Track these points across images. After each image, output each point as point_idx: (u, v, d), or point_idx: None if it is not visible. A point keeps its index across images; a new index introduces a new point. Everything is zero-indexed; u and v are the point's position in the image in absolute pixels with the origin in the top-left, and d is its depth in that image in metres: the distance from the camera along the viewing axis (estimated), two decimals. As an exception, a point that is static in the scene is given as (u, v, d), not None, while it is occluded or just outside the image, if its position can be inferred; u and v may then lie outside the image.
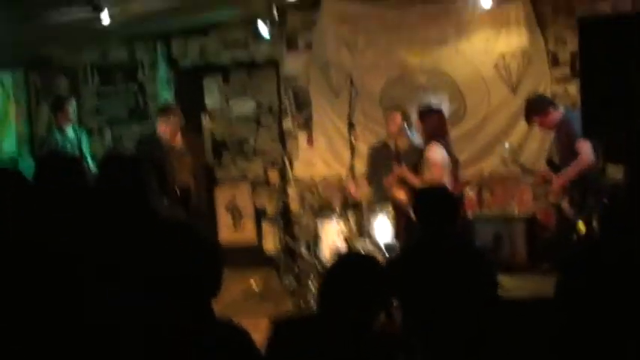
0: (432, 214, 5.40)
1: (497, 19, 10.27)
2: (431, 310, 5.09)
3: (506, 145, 9.36)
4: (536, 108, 8.61)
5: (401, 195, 8.54)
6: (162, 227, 3.60)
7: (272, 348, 3.82)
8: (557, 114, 8.41)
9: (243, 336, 3.55)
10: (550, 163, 8.58)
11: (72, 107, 10.19)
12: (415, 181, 8.28)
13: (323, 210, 9.75)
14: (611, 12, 9.62)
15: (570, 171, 8.14)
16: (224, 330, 3.56)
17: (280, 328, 3.92)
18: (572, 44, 10.07)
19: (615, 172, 8.21)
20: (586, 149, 7.97)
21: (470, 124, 10.41)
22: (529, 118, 8.68)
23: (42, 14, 8.08)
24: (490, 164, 10.09)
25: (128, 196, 3.90)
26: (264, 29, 10.55)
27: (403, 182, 8.51)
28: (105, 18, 7.09)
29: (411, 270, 5.22)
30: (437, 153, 8.14)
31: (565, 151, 8.29)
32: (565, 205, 8.26)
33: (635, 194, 6.36)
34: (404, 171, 8.48)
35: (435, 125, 8.34)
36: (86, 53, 11.96)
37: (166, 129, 9.16)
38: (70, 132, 10.04)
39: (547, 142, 9.63)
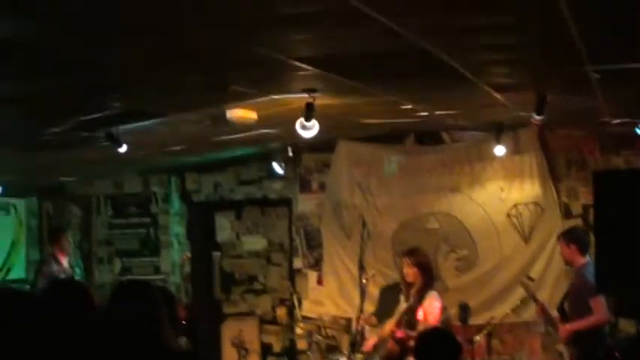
0: (433, 355, 5.33)
1: (510, 169, 10.36)
2: None
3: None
4: (566, 234, 8.74)
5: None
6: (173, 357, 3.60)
7: None
8: (575, 253, 8.42)
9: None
10: (561, 310, 8.54)
11: (68, 239, 10.32)
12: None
13: (330, 350, 9.66)
14: (625, 167, 9.71)
15: (580, 324, 8.08)
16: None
17: None
18: (584, 197, 10.13)
19: (627, 327, 8.15)
20: (600, 307, 7.95)
21: (481, 271, 10.38)
22: (558, 238, 8.87)
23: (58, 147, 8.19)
24: (501, 312, 9.97)
25: (141, 320, 3.87)
26: (278, 168, 10.67)
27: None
28: (122, 150, 7.16)
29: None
30: (435, 306, 8.33)
31: (577, 301, 8.24)
32: (568, 356, 8.18)
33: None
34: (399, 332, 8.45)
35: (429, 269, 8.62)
36: (100, 183, 12.07)
37: None
38: (65, 263, 10.10)
39: (559, 291, 9.59)
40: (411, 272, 8.67)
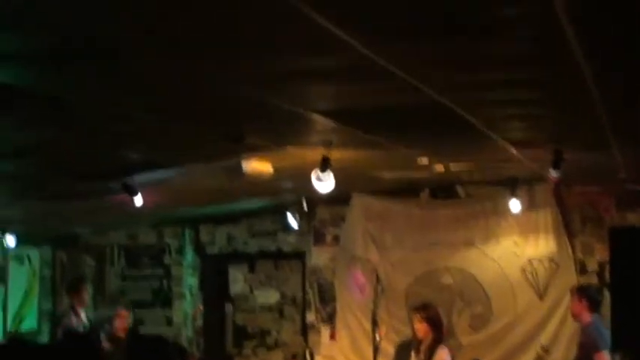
0: None
1: (525, 224, 10.32)
2: None
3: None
4: (581, 289, 8.83)
5: None
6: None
7: None
8: (584, 309, 8.46)
9: None
10: None
11: (87, 291, 10.29)
12: None
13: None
14: (640, 223, 9.69)
15: None
16: None
17: None
18: (600, 254, 10.10)
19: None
20: None
21: (495, 328, 10.30)
22: (572, 291, 8.91)
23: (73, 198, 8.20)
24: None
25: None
26: (292, 221, 10.65)
27: None
28: (138, 201, 7.15)
29: None
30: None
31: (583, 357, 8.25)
32: None
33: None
34: None
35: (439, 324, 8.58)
36: (114, 234, 12.05)
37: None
38: (82, 315, 10.06)
39: (573, 349, 9.52)
40: (421, 328, 8.62)
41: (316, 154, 6.64)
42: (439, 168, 8.44)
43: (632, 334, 6.23)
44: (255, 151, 6.79)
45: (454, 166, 8.57)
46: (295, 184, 8.93)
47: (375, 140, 6.44)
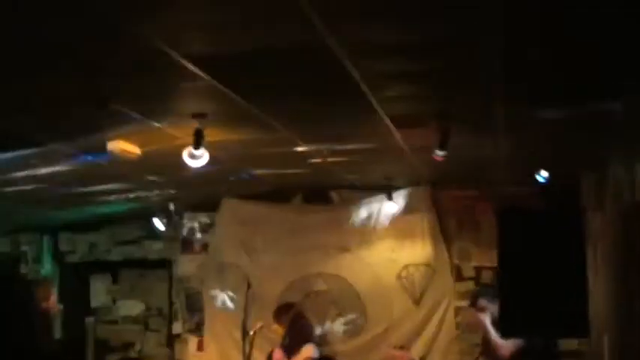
0: None
1: (401, 229, 10.05)
2: None
3: None
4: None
5: None
6: None
7: None
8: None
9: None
10: None
11: None
12: None
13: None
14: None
15: None
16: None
17: None
18: (476, 259, 9.92)
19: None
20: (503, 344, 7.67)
21: (370, 335, 9.96)
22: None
23: None
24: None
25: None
26: (159, 225, 10.12)
27: None
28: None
29: None
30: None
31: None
32: None
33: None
34: None
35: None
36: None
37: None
38: None
39: (451, 356, 9.34)
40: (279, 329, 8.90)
41: (187, 136, 6.20)
42: (316, 159, 8.08)
43: (523, 319, 5.93)
44: (120, 126, 6.29)
45: (332, 159, 8.22)
46: (163, 177, 8.46)
47: (251, 114, 5.99)
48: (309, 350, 8.30)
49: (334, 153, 7.88)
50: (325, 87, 5.28)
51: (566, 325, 6.13)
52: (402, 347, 9.10)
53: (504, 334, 6.83)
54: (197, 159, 6.16)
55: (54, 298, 9.74)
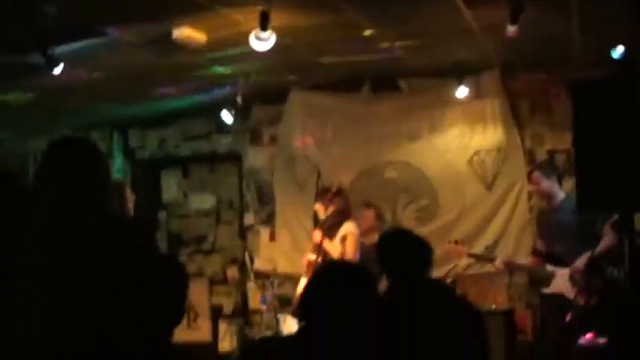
0: (400, 255, 4.80)
1: (472, 114, 9.86)
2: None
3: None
4: (543, 167, 8.73)
5: None
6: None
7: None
8: (556, 186, 8.25)
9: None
10: (538, 253, 8.15)
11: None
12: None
13: (284, 306, 9.17)
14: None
15: (592, 255, 7.68)
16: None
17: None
18: (549, 142, 9.74)
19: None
20: (611, 232, 7.55)
21: (443, 221, 9.88)
22: (531, 174, 8.60)
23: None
24: (464, 262, 9.51)
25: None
26: (228, 117, 10.06)
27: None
28: (58, 70, 6.52)
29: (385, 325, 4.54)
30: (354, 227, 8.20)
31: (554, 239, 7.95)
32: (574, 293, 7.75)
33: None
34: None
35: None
36: (36, 142, 11.31)
37: None
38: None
39: (524, 239, 9.24)
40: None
41: (252, 22, 6.11)
42: (384, 44, 7.93)
43: (601, 195, 5.77)
44: (186, 12, 6.21)
45: (399, 44, 8.06)
46: (230, 66, 8.39)
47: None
48: (348, 226, 8.20)
49: (402, 35, 7.72)
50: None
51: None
52: (456, 242, 8.97)
53: (581, 208, 6.69)
54: (263, 41, 6.09)
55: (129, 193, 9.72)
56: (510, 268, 8.69)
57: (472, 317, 4.88)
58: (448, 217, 9.91)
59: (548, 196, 8.33)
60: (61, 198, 3.36)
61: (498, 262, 8.43)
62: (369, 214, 9.14)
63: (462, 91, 9.46)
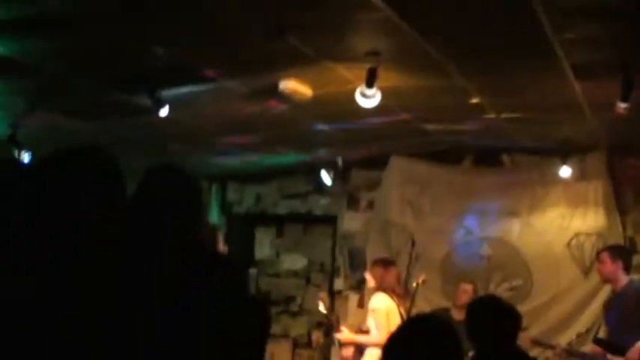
0: (489, 325, 4.67)
1: (574, 196, 9.68)
2: None
3: None
4: (613, 248, 8.18)
5: None
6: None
7: None
8: (619, 271, 7.81)
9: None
10: (599, 341, 7.88)
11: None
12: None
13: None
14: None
15: None
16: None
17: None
18: (651, 231, 9.49)
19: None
20: None
21: (535, 303, 9.63)
22: (600, 253, 8.16)
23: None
24: (565, 340, 9.22)
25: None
26: (327, 178, 10.07)
27: None
28: (164, 112, 6.61)
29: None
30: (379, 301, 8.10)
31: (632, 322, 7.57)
32: None
33: None
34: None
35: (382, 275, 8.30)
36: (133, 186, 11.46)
37: None
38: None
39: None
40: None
41: (359, 79, 6.11)
42: (490, 114, 7.84)
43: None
44: (293, 64, 6.23)
45: (506, 115, 7.96)
46: (331, 124, 8.38)
47: (428, 56, 5.82)
48: (374, 300, 8.24)
49: (510, 106, 7.63)
50: (507, 28, 5.07)
51: None
52: (540, 343, 8.74)
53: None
54: (369, 98, 6.07)
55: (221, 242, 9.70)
56: (570, 355, 8.37)
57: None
58: (542, 299, 9.66)
59: (609, 279, 7.99)
60: (159, 224, 3.31)
61: (559, 350, 8.17)
62: (469, 289, 9.01)
63: (565, 171, 9.31)
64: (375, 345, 7.95)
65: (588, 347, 9.01)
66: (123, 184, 3.13)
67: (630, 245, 9.51)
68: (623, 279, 7.86)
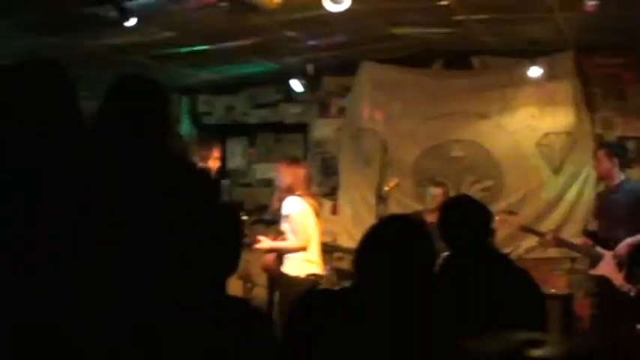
0: (461, 225, 4.72)
1: (543, 96, 9.74)
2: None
3: None
4: (610, 146, 8.43)
5: None
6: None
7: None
8: (615, 168, 8.04)
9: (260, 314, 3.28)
10: (589, 234, 8.05)
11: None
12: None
13: (344, 278, 9.10)
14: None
15: (637, 239, 7.71)
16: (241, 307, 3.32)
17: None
18: (619, 129, 9.59)
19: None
20: None
21: (507, 203, 9.73)
22: (596, 151, 8.41)
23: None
24: (527, 244, 9.39)
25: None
26: (297, 86, 10.06)
27: None
28: (131, 23, 6.53)
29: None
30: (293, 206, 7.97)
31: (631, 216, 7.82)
32: (620, 279, 7.63)
33: None
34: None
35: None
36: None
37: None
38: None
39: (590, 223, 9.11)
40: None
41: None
42: (459, 16, 7.83)
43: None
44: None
45: (475, 17, 7.95)
46: (300, 31, 8.32)
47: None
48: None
49: (478, 8, 7.61)
50: None
51: None
52: (511, 212, 8.84)
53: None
54: (338, 3, 6.04)
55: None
56: (560, 243, 8.52)
57: (532, 289, 4.81)
58: (513, 199, 9.79)
59: (606, 176, 8.18)
60: (123, 132, 3.33)
61: (549, 236, 8.32)
62: (438, 193, 9.03)
63: (534, 72, 9.36)
64: (295, 250, 8.03)
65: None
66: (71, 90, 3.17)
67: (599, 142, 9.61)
68: (618, 176, 8.04)
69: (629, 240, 7.74)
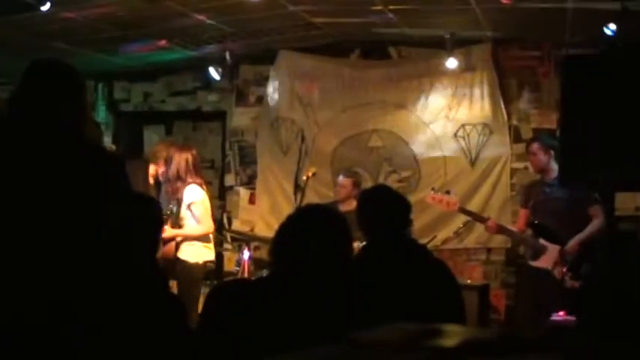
0: (379, 214, 4.74)
1: (460, 87, 9.80)
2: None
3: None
4: (545, 139, 8.43)
5: None
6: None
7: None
8: (551, 161, 8.08)
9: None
10: (536, 226, 8.07)
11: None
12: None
13: (259, 269, 9.10)
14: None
15: (590, 233, 7.79)
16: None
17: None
18: (535, 121, 9.70)
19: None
20: (602, 211, 7.60)
21: (424, 193, 9.71)
22: (530, 144, 8.44)
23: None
24: (443, 236, 9.46)
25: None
26: (215, 74, 9.99)
27: None
28: (45, 8, 6.40)
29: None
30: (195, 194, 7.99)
31: (571, 212, 7.93)
32: (566, 275, 7.71)
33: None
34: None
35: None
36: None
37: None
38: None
39: (504, 217, 9.19)
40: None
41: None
42: (377, 7, 7.84)
43: (584, 167, 5.73)
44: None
45: (393, 8, 7.97)
46: (218, 18, 8.26)
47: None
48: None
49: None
50: None
51: (629, 180, 5.93)
52: (448, 192, 8.84)
53: (564, 179, 6.65)
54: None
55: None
56: (501, 230, 8.52)
57: (449, 279, 4.85)
58: (429, 190, 9.81)
59: (543, 169, 8.22)
60: (35, 119, 3.28)
61: (491, 222, 8.27)
62: (347, 183, 8.98)
63: (451, 63, 9.41)
64: (200, 236, 8.05)
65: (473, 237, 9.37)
66: None
67: (516, 135, 9.73)
68: (555, 169, 8.04)
69: (580, 237, 7.80)
